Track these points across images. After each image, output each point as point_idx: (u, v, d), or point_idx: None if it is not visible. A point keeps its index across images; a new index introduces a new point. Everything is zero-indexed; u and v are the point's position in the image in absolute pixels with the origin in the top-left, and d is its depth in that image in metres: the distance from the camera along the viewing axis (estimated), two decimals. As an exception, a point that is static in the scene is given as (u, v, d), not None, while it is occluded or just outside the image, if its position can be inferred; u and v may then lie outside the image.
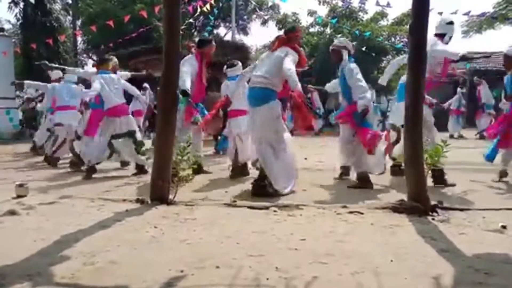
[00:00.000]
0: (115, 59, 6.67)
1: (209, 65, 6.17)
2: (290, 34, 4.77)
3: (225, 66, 6.49)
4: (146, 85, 11.94)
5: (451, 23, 5.09)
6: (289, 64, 4.40)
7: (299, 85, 4.27)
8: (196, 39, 6.78)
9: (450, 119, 13.70)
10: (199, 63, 5.74)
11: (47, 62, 8.02)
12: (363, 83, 5.01)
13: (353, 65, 5.12)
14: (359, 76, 5.02)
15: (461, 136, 13.37)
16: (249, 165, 6.00)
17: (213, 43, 5.95)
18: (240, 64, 6.41)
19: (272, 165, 4.55)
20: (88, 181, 5.77)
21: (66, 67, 7.67)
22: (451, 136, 12.77)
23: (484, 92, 13.09)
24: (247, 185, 5.17)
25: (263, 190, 4.53)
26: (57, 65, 8.31)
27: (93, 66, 6.48)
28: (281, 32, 5.34)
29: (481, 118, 13.05)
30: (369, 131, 4.95)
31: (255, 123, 4.68)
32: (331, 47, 5.42)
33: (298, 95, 4.28)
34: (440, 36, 5.01)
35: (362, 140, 4.98)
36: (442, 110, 12.39)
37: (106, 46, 13.50)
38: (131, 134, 6.22)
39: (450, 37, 5.09)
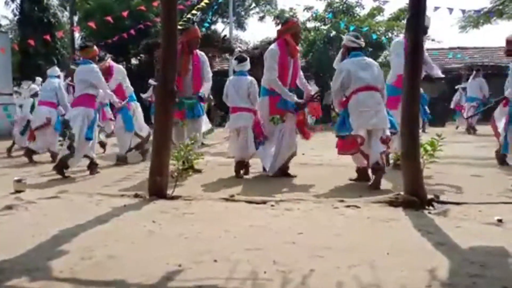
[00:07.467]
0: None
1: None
2: (281, 28, 5.24)
3: (234, 60, 6.17)
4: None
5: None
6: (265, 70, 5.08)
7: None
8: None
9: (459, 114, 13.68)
10: (186, 54, 5.34)
11: None
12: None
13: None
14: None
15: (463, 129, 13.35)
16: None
17: (195, 26, 5.63)
18: (248, 59, 6.03)
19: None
20: (86, 177, 5.77)
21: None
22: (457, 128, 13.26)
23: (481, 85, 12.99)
24: (245, 180, 5.22)
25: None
26: None
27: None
28: (278, 27, 5.78)
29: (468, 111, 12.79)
30: None
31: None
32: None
33: None
34: None
35: None
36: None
37: (104, 42, 13.43)
38: None
39: (427, 28, 5.03)
